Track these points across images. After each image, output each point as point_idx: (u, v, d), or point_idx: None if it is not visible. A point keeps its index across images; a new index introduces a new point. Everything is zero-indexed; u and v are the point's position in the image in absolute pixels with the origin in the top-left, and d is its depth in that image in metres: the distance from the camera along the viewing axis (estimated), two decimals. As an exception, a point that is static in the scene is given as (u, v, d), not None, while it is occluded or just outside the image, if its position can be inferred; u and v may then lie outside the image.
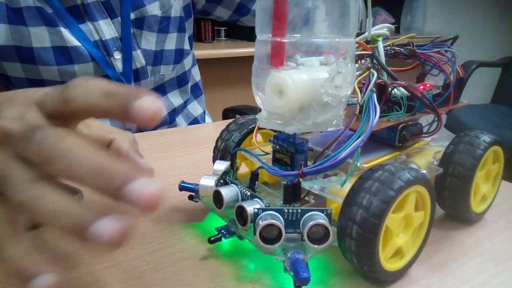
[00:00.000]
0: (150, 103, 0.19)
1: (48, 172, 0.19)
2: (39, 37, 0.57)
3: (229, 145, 0.35)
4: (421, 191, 0.27)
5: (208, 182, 0.31)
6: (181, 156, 0.50)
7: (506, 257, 0.30)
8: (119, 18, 0.61)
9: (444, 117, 0.34)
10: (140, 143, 0.54)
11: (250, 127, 0.35)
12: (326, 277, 0.27)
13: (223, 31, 1.74)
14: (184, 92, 0.76)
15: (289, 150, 0.29)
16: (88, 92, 0.20)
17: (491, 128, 1.50)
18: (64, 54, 0.58)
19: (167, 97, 0.73)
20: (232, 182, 0.31)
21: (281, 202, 0.28)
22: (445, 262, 0.29)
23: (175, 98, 0.74)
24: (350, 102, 0.33)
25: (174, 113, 0.74)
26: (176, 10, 0.67)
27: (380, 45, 0.32)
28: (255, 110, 0.28)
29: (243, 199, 0.29)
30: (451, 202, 0.33)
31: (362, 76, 0.30)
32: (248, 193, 0.29)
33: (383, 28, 0.33)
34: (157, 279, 0.27)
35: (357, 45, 0.31)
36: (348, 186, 0.26)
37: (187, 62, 0.74)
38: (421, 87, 0.37)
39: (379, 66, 0.31)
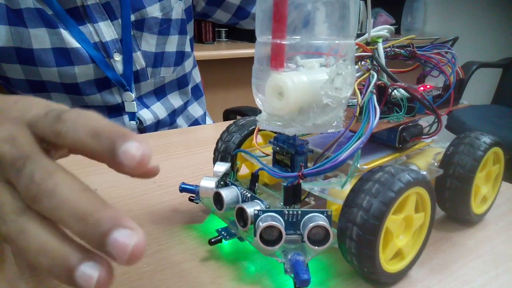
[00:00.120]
0: (136, 149, 0.17)
1: (36, 210, 0.18)
2: (39, 38, 0.57)
3: (230, 147, 0.35)
4: (421, 193, 0.27)
5: (208, 183, 0.31)
6: (182, 157, 0.50)
7: (506, 259, 0.30)
8: (119, 20, 0.61)
9: (444, 118, 0.34)
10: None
11: (250, 129, 0.35)
12: (326, 279, 0.27)
13: (223, 32, 1.74)
14: (184, 93, 0.76)
15: (289, 152, 0.29)
16: (77, 129, 0.19)
17: (492, 128, 1.50)
18: (64, 55, 0.59)
19: (167, 99, 0.73)
20: (232, 184, 0.31)
21: (282, 203, 0.28)
22: (446, 263, 0.29)
23: (175, 100, 0.74)
24: (350, 104, 0.33)
25: (174, 114, 0.74)
26: (177, 13, 0.67)
27: (380, 46, 0.32)
28: (256, 111, 0.28)
29: (243, 201, 0.29)
30: (452, 203, 0.33)
31: (362, 77, 0.30)
32: (249, 195, 0.29)
33: (383, 29, 0.33)
34: (157, 280, 0.27)
35: (357, 46, 0.31)
36: (348, 188, 0.26)
37: (188, 64, 0.74)
38: (421, 88, 0.37)
39: (379, 68, 0.31)
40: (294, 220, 0.26)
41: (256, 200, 0.28)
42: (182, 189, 0.34)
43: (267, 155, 0.33)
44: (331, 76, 0.25)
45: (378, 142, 0.33)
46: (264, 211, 0.26)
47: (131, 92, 0.65)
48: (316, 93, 0.25)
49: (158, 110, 0.70)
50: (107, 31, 0.61)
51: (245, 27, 0.83)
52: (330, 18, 0.25)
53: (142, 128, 0.68)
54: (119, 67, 0.63)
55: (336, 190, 0.28)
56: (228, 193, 0.29)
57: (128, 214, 0.35)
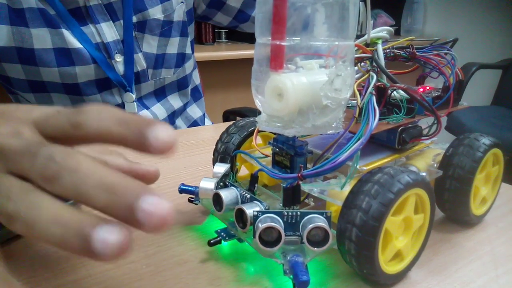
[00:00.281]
0: (165, 134, 0.19)
1: (53, 191, 0.18)
2: (41, 38, 0.57)
3: (229, 148, 0.35)
4: (420, 194, 0.27)
5: (208, 184, 0.31)
6: (181, 158, 0.50)
7: (506, 260, 0.30)
8: (121, 21, 0.61)
9: (444, 119, 0.34)
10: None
11: (250, 130, 0.35)
12: (325, 280, 0.27)
13: (223, 33, 1.74)
14: (184, 95, 0.76)
15: (289, 153, 0.29)
16: (102, 118, 0.19)
17: (492, 130, 1.50)
18: (65, 56, 0.59)
19: (167, 100, 0.73)
20: (232, 185, 0.31)
21: (281, 204, 0.28)
22: (445, 265, 0.29)
23: (175, 101, 0.74)
24: (350, 105, 0.33)
25: (173, 115, 0.74)
26: (179, 15, 0.67)
27: (380, 48, 0.32)
28: (255, 112, 0.28)
29: (242, 202, 0.29)
30: (451, 204, 0.33)
31: (362, 79, 0.30)
32: (248, 196, 0.29)
33: (382, 31, 0.33)
34: (156, 282, 0.27)
35: (356, 48, 0.31)
36: (347, 189, 0.26)
37: (188, 66, 0.74)
38: (421, 89, 0.37)
39: (378, 69, 0.31)
40: (293, 221, 0.26)
41: (255, 201, 0.28)
42: (181, 190, 0.34)
43: (267, 156, 0.33)
44: (331, 78, 0.25)
45: (377, 143, 0.33)
46: (263, 212, 0.26)
47: (131, 93, 0.65)
48: (315, 94, 0.25)
49: (158, 111, 0.70)
50: (109, 32, 0.61)
51: (246, 30, 0.83)
52: (329, 19, 0.25)
53: None
54: (120, 68, 0.63)
55: (336, 191, 0.28)
56: (227, 194, 0.29)
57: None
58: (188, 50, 0.72)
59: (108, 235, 0.16)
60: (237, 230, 0.28)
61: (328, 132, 0.26)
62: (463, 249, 0.32)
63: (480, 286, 0.27)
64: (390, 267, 0.26)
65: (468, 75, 1.61)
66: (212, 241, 0.28)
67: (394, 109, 0.31)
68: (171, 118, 0.74)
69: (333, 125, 0.26)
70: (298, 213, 0.26)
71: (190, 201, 0.34)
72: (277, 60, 0.25)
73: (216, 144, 0.36)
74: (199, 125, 0.81)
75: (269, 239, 0.25)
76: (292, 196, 0.28)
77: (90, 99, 0.63)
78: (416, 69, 0.37)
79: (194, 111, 0.81)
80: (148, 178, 0.26)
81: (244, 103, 0.98)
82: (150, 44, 0.65)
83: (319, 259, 0.29)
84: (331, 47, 0.26)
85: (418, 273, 0.28)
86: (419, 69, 0.38)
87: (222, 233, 0.29)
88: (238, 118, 0.88)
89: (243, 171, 0.37)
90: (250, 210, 0.26)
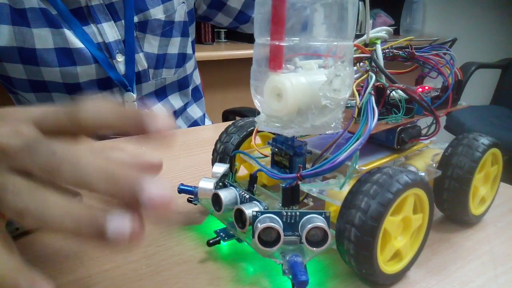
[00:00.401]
0: (163, 123, 0.20)
1: (56, 181, 0.19)
2: (42, 38, 0.57)
3: (228, 148, 0.35)
4: (419, 194, 0.27)
5: (207, 184, 0.31)
6: (180, 158, 0.50)
7: (505, 259, 0.30)
8: (123, 21, 0.62)
9: (443, 119, 0.34)
10: (140, 145, 0.55)
11: (249, 130, 0.35)
12: (324, 280, 0.27)
13: (223, 33, 1.74)
14: (185, 95, 0.76)
15: (288, 153, 0.29)
16: (100, 112, 0.20)
17: (491, 129, 1.51)
18: (67, 55, 0.59)
19: (168, 100, 0.73)
20: (231, 185, 0.31)
21: (280, 204, 0.28)
22: (444, 264, 0.29)
23: (176, 101, 0.74)
24: (349, 105, 0.33)
25: (174, 115, 0.74)
26: (180, 15, 0.67)
27: (379, 48, 0.32)
28: (255, 112, 0.28)
29: (242, 202, 0.29)
30: (450, 204, 0.33)
31: (361, 79, 0.30)
32: (247, 196, 0.29)
33: (381, 31, 0.33)
34: (156, 282, 0.27)
35: (355, 48, 0.31)
36: (346, 189, 0.26)
37: (189, 66, 0.74)
38: (420, 89, 0.37)
39: (377, 69, 0.31)
40: (292, 221, 0.26)
41: (254, 201, 0.28)
42: (180, 190, 0.34)
43: (266, 156, 0.33)
44: (330, 78, 0.25)
45: (376, 143, 0.33)
46: (262, 212, 0.26)
47: (132, 93, 0.65)
48: (314, 95, 0.25)
49: (158, 111, 0.70)
50: (110, 32, 0.61)
51: (246, 31, 0.83)
52: (328, 19, 0.25)
53: None
54: (121, 68, 0.63)
55: (335, 191, 0.28)
56: (226, 194, 0.29)
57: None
58: (189, 50, 0.72)
59: (120, 223, 0.17)
60: (236, 230, 0.28)
61: (327, 132, 0.26)
62: (462, 248, 0.32)
63: (479, 285, 0.27)
64: (389, 267, 0.26)
65: (467, 75, 1.61)
66: (211, 241, 0.28)
67: (393, 109, 0.31)
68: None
69: (332, 125, 0.26)
70: (297, 213, 0.26)
71: (189, 201, 0.34)
72: (276, 60, 0.25)
73: (215, 144, 0.36)
74: (199, 125, 0.81)
75: (268, 239, 0.25)
76: (291, 196, 0.28)
77: None
78: (415, 69, 0.38)
79: (195, 111, 0.81)
80: (151, 170, 0.26)
81: (244, 103, 0.98)
82: (151, 44, 0.65)
83: (318, 259, 0.29)
84: (330, 47, 0.26)
85: (417, 273, 0.28)
86: (418, 69, 0.38)
87: (221, 233, 0.29)
88: (237, 118, 0.88)
89: (242, 171, 0.37)
90: (249, 210, 0.26)
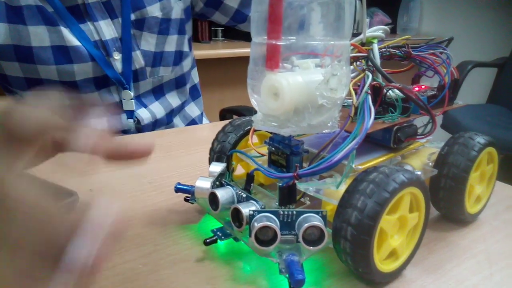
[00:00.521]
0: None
1: None
2: (39, 36, 0.56)
3: (225, 147, 0.35)
4: (415, 193, 0.27)
5: (203, 184, 0.31)
6: (178, 157, 0.50)
7: (500, 258, 0.30)
8: (120, 19, 0.61)
9: (440, 118, 0.34)
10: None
11: (246, 129, 0.35)
12: (321, 278, 0.27)
13: (220, 31, 1.74)
14: (182, 93, 0.76)
15: (285, 152, 0.29)
16: (90, 143, 0.20)
17: (487, 128, 1.51)
18: (64, 53, 0.58)
19: (165, 98, 0.73)
20: (228, 184, 0.31)
21: (277, 204, 0.28)
22: (440, 263, 0.30)
23: (173, 99, 0.74)
24: (346, 104, 0.33)
25: (171, 114, 0.74)
26: (176, 13, 0.67)
27: (375, 47, 0.32)
28: (252, 110, 0.28)
29: (238, 201, 0.29)
30: (446, 203, 0.33)
31: (357, 78, 0.30)
32: (244, 195, 0.29)
33: (378, 30, 0.33)
34: (153, 281, 0.27)
35: (352, 47, 0.31)
36: (343, 188, 0.27)
37: (186, 64, 0.74)
38: (416, 88, 0.37)
39: (374, 68, 0.31)
40: (289, 220, 0.26)
41: (251, 201, 0.28)
42: (177, 190, 0.34)
43: (263, 155, 0.33)
44: (326, 77, 0.25)
45: (373, 142, 0.33)
46: (259, 212, 0.26)
47: (130, 91, 0.65)
48: (311, 94, 0.25)
49: (156, 109, 0.70)
50: (107, 29, 0.61)
51: (243, 30, 0.83)
52: (325, 18, 0.25)
53: (140, 127, 0.68)
54: (118, 66, 0.63)
55: (331, 190, 0.28)
56: (223, 194, 0.29)
57: (123, 215, 0.35)
58: (186, 48, 0.72)
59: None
60: (233, 229, 0.28)
61: (324, 131, 0.26)
62: (457, 247, 0.32)
63: (474, 284, 0.28)
64: (385, 266, 0.27)
65: (463, 73, 1.62)
66: (208, 240, 0.28)
67: (390, 108, 0.31)
68: (169, 117, 0.74)
69: (328, 124, 0.26)
70: (294, 212, 0.26)
71: (186, 200, 0.34)
72: (273, 59, 0.25)
73: (212, 143, 0.36)
74: (197, 124, 0.81)
75: (265, 238, 0.25)
76: (288, 195, 0.28)
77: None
78: (411, 68, 0.38)
79: (192, 109, 0.81)
80: (138, 155, 0.24)
81: (241, 102, 0.97)
82: (148, 42, 0.65)
83: (315, 257, 0.29)
84: (327, 46, 0.26)
85: (413, 272, 0.29)
86: (415, 68, 0.38)
87: (218, 232, 0.29)
88: (235, 116, 0.88)
89: (239, 170, 0.37)
90: (246, 209, 0.26)
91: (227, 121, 0.38)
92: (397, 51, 0.35)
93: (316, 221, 0.25)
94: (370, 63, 0.31)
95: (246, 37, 1.65)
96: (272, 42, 0.24)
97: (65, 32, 0.58)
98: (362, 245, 0.24)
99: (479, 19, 2.05)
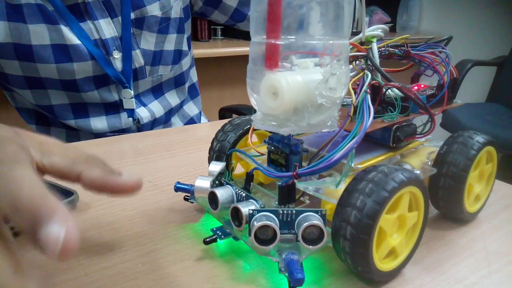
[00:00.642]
0: (58, 233, 0.16)
1: None
2: (39, 34, 0.56)
3: (225, 146, 0.35)
4: (414, 192, 0.27)
5: (203, 183, 0.31)
6: (177, 156, 0.50)
7: (499, 257, 0.31)
8: (119, 18, 0.61)
9: (439, 116, 0.34)
10: (136, 143, 0.55)
11: (245, 128, 0.35)
12: (320, 277, 0.28)
13: (219, 30, 1.74)
14: (181, 92, 0.76)
15: (284, 151, 0.29)
16: None
17: (486, 126, 1.51)
18: (63, 52, 0.58)
19: (165, 97, 0.73)
20: (227, 183, 0.31)
21: (276, 203, 0.28)
22: (439, 261, 0.30)
23: (172, 98, 0.74)
24: (345, 103, 0.33)
25: (170, 113, 0.74)
26: (176, 11, 0.67)
27: (375, 46, 0.32)
28: (252, 109, 0.28)
29: (238, 200, 0.29)
30: (445, 202, 0.33)
31: (357, 77, 0.30)
32: (243, 194, 0.29)
33: (377, 29, 0.33)
34: (152, 280, 0.27)
35: (351, 46, 0.31)
36: (342, 187, 0.27)
37: (185, 63, 0.74)
38: (415, 87, 0.37)
39: (373, 67, 0.31)
40: (288, 219, 0.26)
41: (251, 200, 0.28)
42: (177, 189, 0.34)
43: (262, 154, 0.33)
44: (326, 76, 0.25)
45: (372, 142, 0.33)
46: (258, 211, 0.26)
47: (130, 89, 0.65)
48: (310, 93, 0.25)
49: (155, 108, 0.70)
50: (107, 28, 0.61)
51: (242, 29, 0.83)
52: (324, 18, 0.25)
53: (139, 126, 0.68)
54: (118, 64, 0.63)
55: (331, 190, 0.28)
56: (223, 193, 0.29)
57: (123, 214, 0.35)
58: (185, 47, 0.72)
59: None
60: (232, 228, 0.28)
61: (323, 130, 0.26)
62: (456, 246, 0.32)
63: (473, 282, 0.28)
64: (384, 265, 0.27)
65: (463, 72, 1.62)
66: (207, 240, 0.28)
67: (389, 107, 0.31)
68: (168, 116, 0.74)
69: (328, 124, 0.26)
70: (293, 211, 0.26)
71: (185, 199, 0.34)
72: (272, 58, 0.25)
73: (212, 143, 0.36)
74: (196, 123, 0.81)
75: (265, 237, 0.25)
76: (288, 194, 0.28)
77: (88, 95, 0.63)
78: (410, 67, 0.38)
79: (191, 108, 0.81)
80: (126, 191, 0.25)
81: (240, 101, 0.98)
82: (148, 41, 0.65)
83: (314, 256, 0.29)
84: (326, 45, 0.26)
85: (412, 270, 0.29)
86: (414, 67, 0.38)
87: (218, 232, 0.29)
88: (234, 115, 0.88)
89: (239, 170, 0.37)
90: (245, 208, 0.26)
91: (226, 120, 0.38)
92: (396, 50, 0.35)
93: (316, 220, 0.25)
94: (369, 62, 0.31)
95: (245, 36, 1.65)
96: (271, 41, 0.24)
97: (65, 30, 0.58)
98: (361, 244, 0.24)
99: (479, 18, 2.05)
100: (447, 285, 0.27)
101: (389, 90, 0.32)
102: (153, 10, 0.64)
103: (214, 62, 1.51)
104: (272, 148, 0.30)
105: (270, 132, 0.30)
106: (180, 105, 0.77)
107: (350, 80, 0.29)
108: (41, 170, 0.23)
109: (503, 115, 1.66)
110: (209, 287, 0.26)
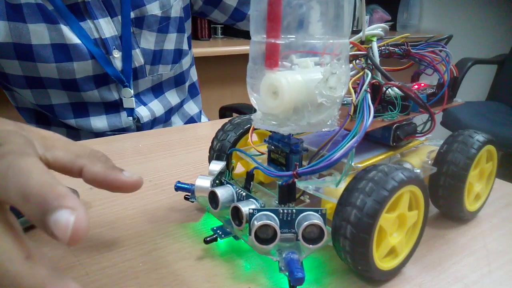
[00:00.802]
0: (67, 219, 0.17)
1: None
2: (38, 34, 0.56)
3: (225, 145, 0.35)
4: (414, 191, 0.27)
5: (203, 182, 0.31)
6: (177, 155, 0.50)
7: (499, 255, 0.31)
8: (119, 17, 0.61)
9: (439, 115, 0.34)
10: (136, 142, 0.55)
11: (245, 127, 0.35)
12: (321, 276, 0.28)
13: (219, 29, 1.74)
14: (181, 91, 0.76)
15: (284, 151, 0.29)
16: (8, 188, 0.18)
17: (487, 125, 1.51)
18: (63, 51, 0.58)
19: (165, 96, 0.73)
20: (227, 183, 0.31)
21: (277, 202, 0.28)
22: (439, 260, 0.30)
23: (172, 97, 0.74)
24: (345, 102, 0.33)
25: (170, 112, 0.74)
26: (176, 11, 0.67)
27: (375, 45, 0.32)
28: (252, 108, 0.28)
29: (238, 200, 0.29)
30: (445, 201, 0.33)
31: (357, 76, 0.30)
32: (244, 194, 0.29)
33: (377, 28, 0.33)
34: (153, 279, 0.27)
35: (351, 45, 0.31)
36: (342, 186, 0.27)
37: (185, 62, 0.74)
38: (416, 86, 0.37)
39: (373, 66, 0.31)
40: (289, 218, 0.26)
41: (251, 199, 0.28)
42: (177, 188, 0.34)
43: (262, 153, 0.33)
44: (326, 76, 0.25)
45: (372, 141, 0.33)
46: (259, 210, 0.26)
47: (130, 88, 0.65)
48: (310, 92, 0.25)
49: (155, 107, 0.70)
50: (107, 27, 0.61)
51: (242, 28, 0.83)
52: (324, 17, 0.25)
53: (139, 126, 0.68)
54: (118, 63, 0.63)
55: (331, 189, 0.28)
56: (223, 192, 0.29)
57: (124, 213, 0.35)
58: (185, 46, 0.72)
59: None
60: (233, 227, 0.28)
61: (323, 129, 0.26)
62: (456, 245, 0.32)
63: (473, 281, 0.28)
64: (384, 264, 0.27)
65: (463, 71, 1.62)
66: (208, 239, 0.28)
67: (389, 106, 0.31)
68: (168, 115, 0.74)
69: (328, 123, 0.26)
70: (294, 210, 0.26)
71: (186, 198, 0.34)
72: (272, 58, 0.25)
73: (212, 142, 0.36)
74: (196, 122, 0.81)
75: (265, 236, 0.25)
76: (288, 193, 0.28)
77: (88, 94, 0.63)
78: (410, 66, 0.38)
79: (191, 107, 0.81)
80: (126, 187, 0.25)
81: (241, 99, 0.97)
82: (147, 40, 0.65)
83: (314, 256, 0.29)
84: (326, 45, 0.26)
85: (412, 269, 0.29)
86: (414, 66, 0.38)
87: (218, 231, 0.29)
88: (234, 114, 0.88)
89: (239, 169, 0.37)
90: (245, 208, 0.26)
91: (226, 119, 0.38)
92: (396, 49, 0.35)
93: (316, 219, 0.25)
94: (369, 61, 0.31)
95: (245, 35, 1.64)
96: (271, 40, 0.24)
97: (65, 30, 0.57)
98: (361, 243, 0.24)
99: (479, 16, 2.05)
100: (447, 284, 0.27)
101: (389, 89, 0.32)
102: (153, 9, 0.64)
103: (214, 61, 1.51)
104: (272, 147, 0.30)
105: (270, 131, 0.30)
106: (180, 104, 0.77)
107: (350, 79, 0.29)
108: (45, 164, 0.23)
109: (503, 114, 1.66)
110: (209, 286, 0.26)
